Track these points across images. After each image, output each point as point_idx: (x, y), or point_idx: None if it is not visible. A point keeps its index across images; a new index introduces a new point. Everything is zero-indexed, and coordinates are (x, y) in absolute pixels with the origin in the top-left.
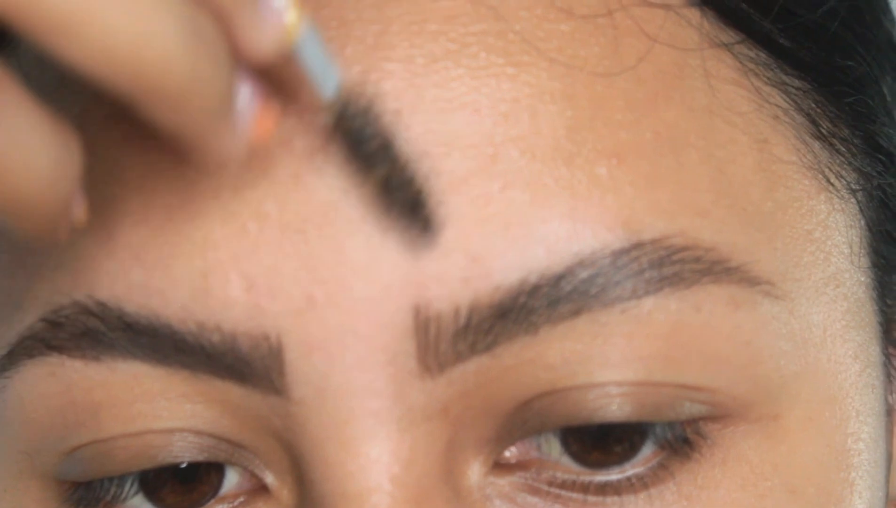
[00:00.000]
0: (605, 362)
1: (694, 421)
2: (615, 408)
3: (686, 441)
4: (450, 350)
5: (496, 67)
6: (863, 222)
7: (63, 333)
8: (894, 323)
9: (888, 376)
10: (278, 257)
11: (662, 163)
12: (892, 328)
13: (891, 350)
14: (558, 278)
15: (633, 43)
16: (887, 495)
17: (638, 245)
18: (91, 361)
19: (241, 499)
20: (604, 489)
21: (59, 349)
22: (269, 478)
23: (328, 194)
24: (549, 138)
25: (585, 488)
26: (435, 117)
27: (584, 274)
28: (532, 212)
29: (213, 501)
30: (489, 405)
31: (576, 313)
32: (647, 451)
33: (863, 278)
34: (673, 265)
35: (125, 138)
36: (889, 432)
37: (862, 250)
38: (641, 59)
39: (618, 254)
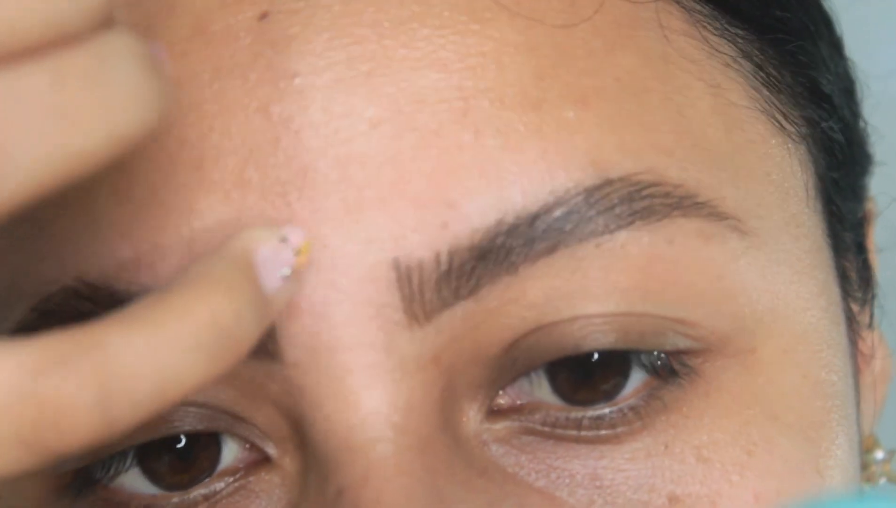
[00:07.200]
0: (586, 295)
1: (678, 354)
2: (600, 336)
3: (673, 371)
4: (434, 298)
5: (461, 24)
6: (813, 169)
7: (54, 320)
8: (849, 273)
9: (850, 322)
10: (260, 221)
11: (625, 106)
12: (847, 279)
13: (850, 302)
14: (534, 218)
15: None
16: (859, 428)
17: (608, 182)
18: None
19: (241, 472)
20: (597, 422)
21: None
22: (270, 448)
23: (306, 157)
24: (516, 87)
25: (578, 423)
26: (405, 76)
27: (558, 212)
28: (505, 156)
29: (211, 477)
30: (479, 350)
31: (552, 249)
32: (635, 384)
33: (819, 223)
34: (643, 200)
35: None
36: (856, 371)
37: (816, 196)
38: (597, 11)
39: (590, 191)
